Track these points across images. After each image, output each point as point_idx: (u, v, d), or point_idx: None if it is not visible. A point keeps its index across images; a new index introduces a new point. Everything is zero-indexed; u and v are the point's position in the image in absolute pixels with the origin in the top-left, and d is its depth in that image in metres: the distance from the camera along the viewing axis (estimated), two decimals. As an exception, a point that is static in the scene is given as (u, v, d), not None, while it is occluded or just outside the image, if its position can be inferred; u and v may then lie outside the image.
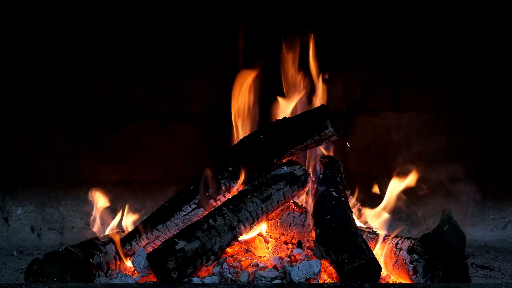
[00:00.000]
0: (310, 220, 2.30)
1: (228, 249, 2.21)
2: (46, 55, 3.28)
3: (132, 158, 3.37)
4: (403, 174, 2.58)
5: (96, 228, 2.42)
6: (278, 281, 1.97)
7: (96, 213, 2.44)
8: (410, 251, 2.03)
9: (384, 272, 2.13)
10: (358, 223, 2.47)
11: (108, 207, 2.50)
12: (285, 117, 2.41)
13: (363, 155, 3.41)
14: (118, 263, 2.25)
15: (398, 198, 2.47)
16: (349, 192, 2.58)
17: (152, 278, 2.06)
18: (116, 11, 3.25)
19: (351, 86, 3.33)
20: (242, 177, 2.34)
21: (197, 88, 3.35)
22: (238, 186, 2.35)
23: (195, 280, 1.97)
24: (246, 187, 2.29)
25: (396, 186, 2.51)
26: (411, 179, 2.51)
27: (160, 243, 2.13)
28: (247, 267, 2.14)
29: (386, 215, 2.42)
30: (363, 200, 2.68)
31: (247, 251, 2.28)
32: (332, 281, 2.03)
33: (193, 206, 2.30)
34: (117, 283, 1.97)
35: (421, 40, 3.33)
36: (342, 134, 3.00)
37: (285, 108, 2.57)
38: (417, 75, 3.37)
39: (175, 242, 1.96)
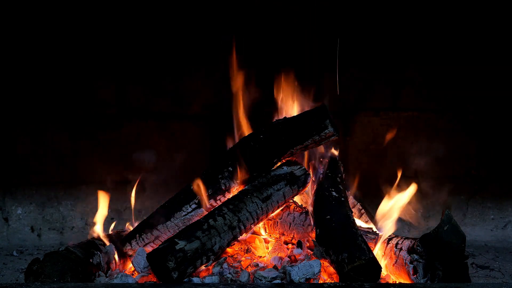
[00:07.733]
0: (310, 220, 2.30)
1: (228, 249, 2.21)
2: (47, 56, 3.28)
3: (132, 158, 3.37)
4: (404, 174, 2.56)
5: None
6: (278, 281, 1.97)
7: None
8: (410, 251, 2.03)
9: (384, 272, 2.13)
10: (358, 223, 2.47)
11: (109, 207, 2.49)
12: (285, 117, 2.41)
13: (363, 155, 3.41)
14: (118, 263, 2.25)
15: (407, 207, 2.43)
16: (349, 192, 2.58)
17: (152, 278, 2.06)
18: (116, 12, 3.25)
19: (351, 86, 3.33)
20: (242, 177, 2.33)
21: (197, 88, 3.35)
22: (238, 186, 2.35)
23: (195, 280, 1.97)
24: (246, 187, 2.29)
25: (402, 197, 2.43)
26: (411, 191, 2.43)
27: (160, 243, 2.13)
28: (247, 267, 2.14)
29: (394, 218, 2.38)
30: (363, 200, 2.68)
31: (247, 251, 2.28)
32: (332, 281, 2.03)
33: (193, 206, 2.30)
34: (117, 283, 1.98)
35: (421, 40, 3.33)
36: (342, 134, 2.99)
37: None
38: (417, 75, 3.36)
39: (175, 242, 1.96)
